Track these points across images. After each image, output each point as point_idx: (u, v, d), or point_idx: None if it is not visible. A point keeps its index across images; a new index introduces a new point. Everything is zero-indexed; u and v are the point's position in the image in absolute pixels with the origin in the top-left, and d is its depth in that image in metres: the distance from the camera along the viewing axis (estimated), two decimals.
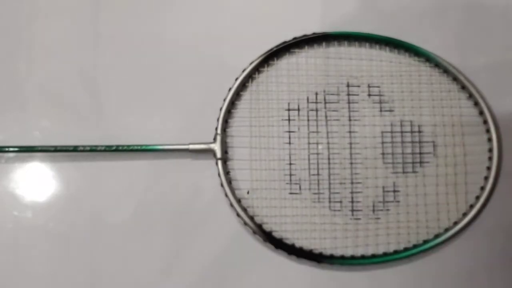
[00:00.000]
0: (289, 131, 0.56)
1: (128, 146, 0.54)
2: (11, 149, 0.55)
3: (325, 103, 0.56)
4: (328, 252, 0.53)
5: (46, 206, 0.55)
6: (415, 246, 0.53)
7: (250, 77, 0.56)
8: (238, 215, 0.53)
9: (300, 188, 0.55)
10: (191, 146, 0.54)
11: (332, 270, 0.54)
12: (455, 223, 0.54)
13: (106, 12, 0.59)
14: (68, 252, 0.54)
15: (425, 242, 0.53)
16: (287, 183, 0.55)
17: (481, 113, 0.56)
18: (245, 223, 0.53)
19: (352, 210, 0.54)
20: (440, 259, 0.54)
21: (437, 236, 0.54)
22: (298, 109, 0.56)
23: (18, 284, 0.54)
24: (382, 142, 0.56)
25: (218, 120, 0.55)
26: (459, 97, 0.57)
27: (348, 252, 0.54)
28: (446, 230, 0.54)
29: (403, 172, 0.56)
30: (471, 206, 0.54)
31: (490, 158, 0.55)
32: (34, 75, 0.58)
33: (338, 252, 0.53)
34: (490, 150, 0.56)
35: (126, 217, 0.55)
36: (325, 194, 0.55)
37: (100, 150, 0.54)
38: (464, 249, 0.54)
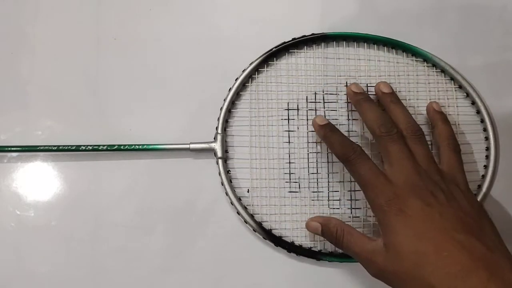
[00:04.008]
0: (289, 131, 0.56)
1: (130, 145, 0.54)
2: (13, 148, 0.55)
3: (324, 102, 0.57)
4: (327, 249, 0.54)
5: (48, 205, 0.56)
6: None
7: (250, 77, 0.57)
8: (238, 213, 0.54)
9: (299, 187, 0.55)
10: (192, 146, 0.54)
11: (332, 268, 0.54)
12: None
13: (108, 13, 0.59)
14: (70, 250, 0.55)
15: None
16: (286, 182, 0.56)
17: (478, 112, 0.57)
18: (245, 221, 0.53)
19: (351, 208, 0.55)
20: None
21: None
22: (298, 109, 0.57)
23: (20, 283, 0.54)
24: None
25: (218, 119, 0.55)
26: (456, 97, 0.58)
27: None
28: None
29: None
30: None
31: (487, 157, 0.56)
32: (36, 75, 0.58)
33: (337, 250, 0.54)
34: (487, 149, 0.56)
35: (128, 216, 0.55)
36: (324, 193, 0.55)
37: (102, 150, 0.54)
38: None
